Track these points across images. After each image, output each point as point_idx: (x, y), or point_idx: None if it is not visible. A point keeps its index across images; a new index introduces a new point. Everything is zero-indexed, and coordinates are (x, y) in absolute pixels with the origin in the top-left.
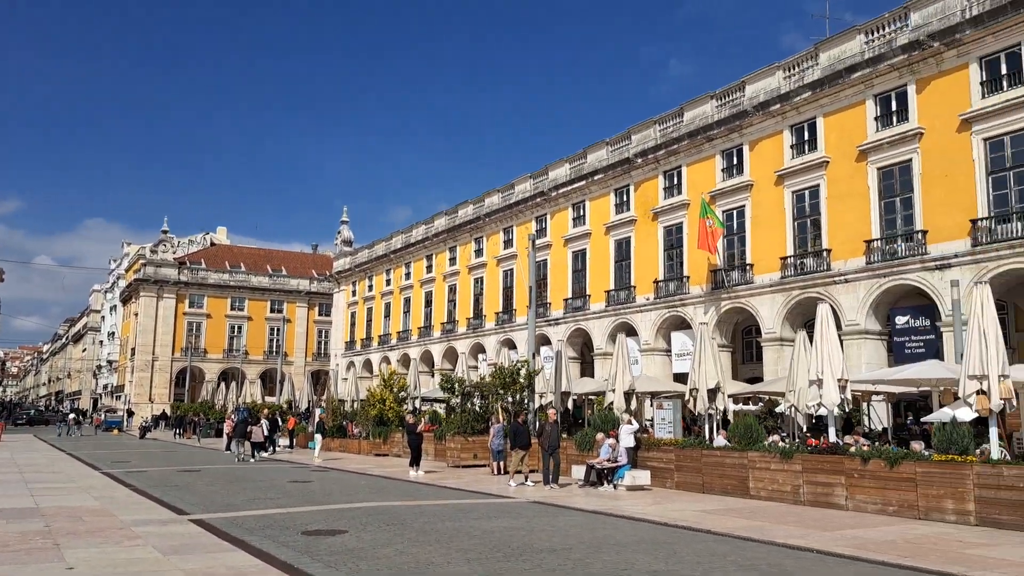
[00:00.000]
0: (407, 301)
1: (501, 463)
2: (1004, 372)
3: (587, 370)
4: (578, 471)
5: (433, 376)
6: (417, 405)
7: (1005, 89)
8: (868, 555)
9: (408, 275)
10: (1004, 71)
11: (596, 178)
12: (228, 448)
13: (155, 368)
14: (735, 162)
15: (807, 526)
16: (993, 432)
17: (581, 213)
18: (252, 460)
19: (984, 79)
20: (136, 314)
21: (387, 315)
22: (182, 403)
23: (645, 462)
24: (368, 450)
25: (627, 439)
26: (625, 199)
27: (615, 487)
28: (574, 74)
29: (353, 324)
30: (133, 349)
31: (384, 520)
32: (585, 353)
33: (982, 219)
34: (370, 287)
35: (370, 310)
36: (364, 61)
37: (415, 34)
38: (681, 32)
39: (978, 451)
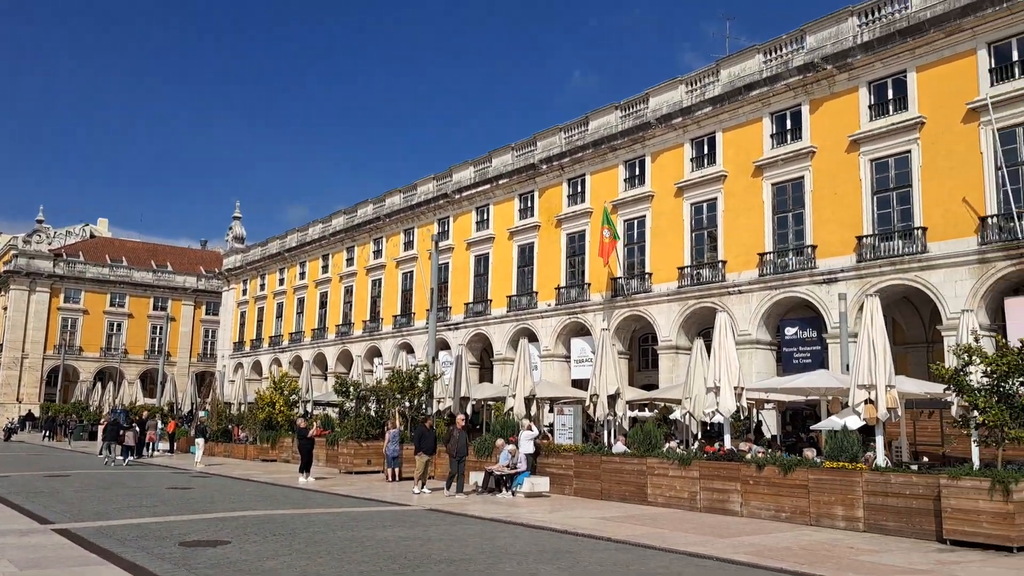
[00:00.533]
0: (301, 302)
1: (396, 470)
2: (891, 382)
3: (486, 375)
4: (476, 477)
5: (326, 379)
6: (309, 409)
7: (891, 113)
8: (767, 562)
9: (303, 275)
10: (890, 96)
11: (501, 182)
12: (101, 452)
13: (24, 366)
14: (637, 173)
15: (705, 533)
16: (879, 440)
17: (485, 217)
18: (123, 464)
19: (872, 102)
20: (5, 308)
21: (279, 316)
22: (53, 403)
23: (544, 468)
24: (255, 455)
25: (527, 445)
26: (529, 204)
27: (513, 494)
28: (479, 80)
29: (243, 324)
30: (0, 345)
31: (270, 529)
32: (485, 358)
33: (867, 236)
34: (262, 286)
35: (261, 310)
36: (260, 46)
37: (319, 22)
38: (585, 45)
39: (863, 459)
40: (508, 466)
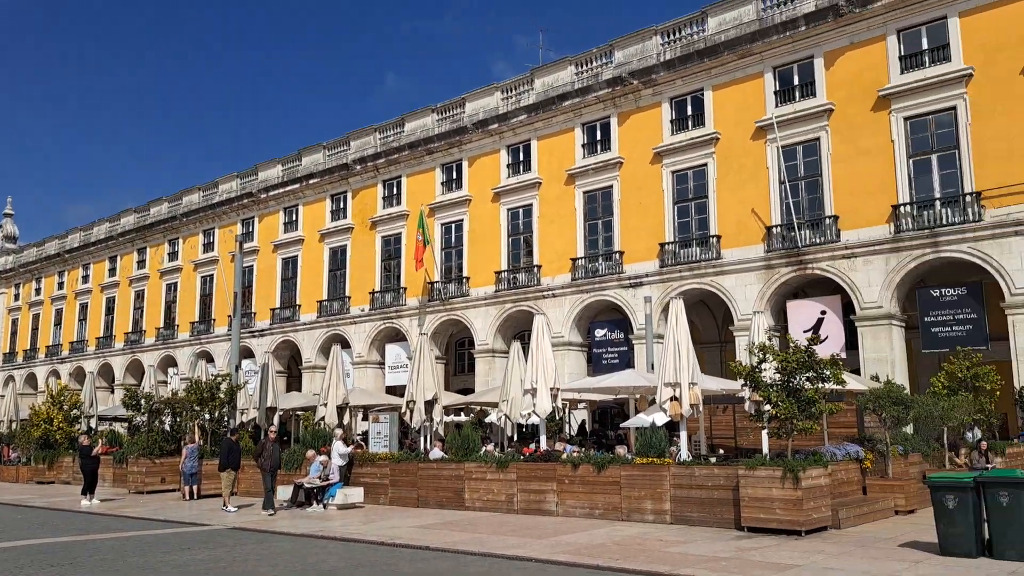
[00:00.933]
0: (84, 307)
1: (195, 487)
2: (694, 380)
3: (294, 384)
4: (284, 492)
5: (113, 392)
6: (93, 425)
7: (690, 128)
8: (584, 560)
9: (86, 278)
10: (690, 112)
11: (312, 182)
12: None
13: None
14: (455, 176)
15: (524, 535)
16: (683, 435)
17: (294, 218)
18: None
19: (674, 117)
20: None
21: (58, 323)
22: None
23: (359, 479)
24: (28, 477)
25: (339, 456)
26: (342, 206)
27: (325, 507)
28: (288, 78)
29: (14, 332)
30: None
31: (48, 560)
32: (293, 367)
33: (668, 243)
34: (38, 290)
35: (37, 316)
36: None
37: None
38: (399, 49)
39: (669, 454)
40: (319, 478)
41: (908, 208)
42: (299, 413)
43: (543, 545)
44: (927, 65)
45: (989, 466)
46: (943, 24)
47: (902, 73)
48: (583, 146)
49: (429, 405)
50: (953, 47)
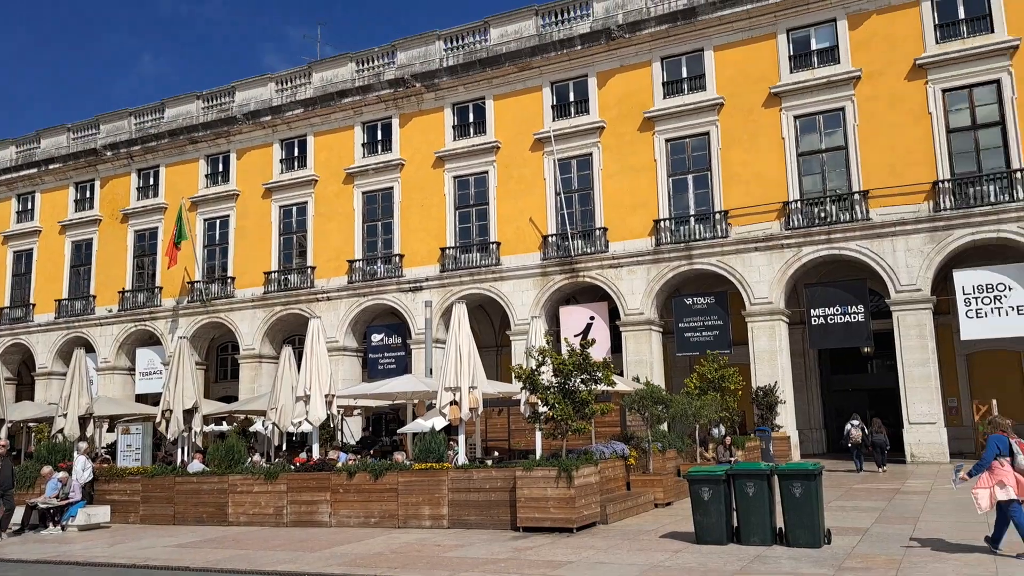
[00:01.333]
0: None
1: None
2: (474, 384)
3: (26, 393)
4: (16, 514)
5: None
6: None
7: (472, 135)
8: (360, 571)
9: None
10: (471, 119)
11: (52, 167)
12: None
13: None
14: (221, 169)
15: (295, 548)
16: (462, 439)
17: (29, 206)
18: None
19: (456, 123)
20: None
21: None
22: None
23: (105, 496)
24: None
25: (82, 472)
26: (89, 195)
27: (63, 529)
28: (19, 50)
29: None
30: None
31: None
32: (24, 373)
33: (450, 248)
34: None
35: None
36: None
37: None
38: (156, 29)
39: (447, 458)
40: (56, 497)
41: (667, 223)
42: (31, 425)
43: (316, 558)
44: (686, 92)
45: (732, 459)
46: (700, 56)
47: (664, 97)
48: (363, 145)
49: (188, 414)
50: (708, 78)
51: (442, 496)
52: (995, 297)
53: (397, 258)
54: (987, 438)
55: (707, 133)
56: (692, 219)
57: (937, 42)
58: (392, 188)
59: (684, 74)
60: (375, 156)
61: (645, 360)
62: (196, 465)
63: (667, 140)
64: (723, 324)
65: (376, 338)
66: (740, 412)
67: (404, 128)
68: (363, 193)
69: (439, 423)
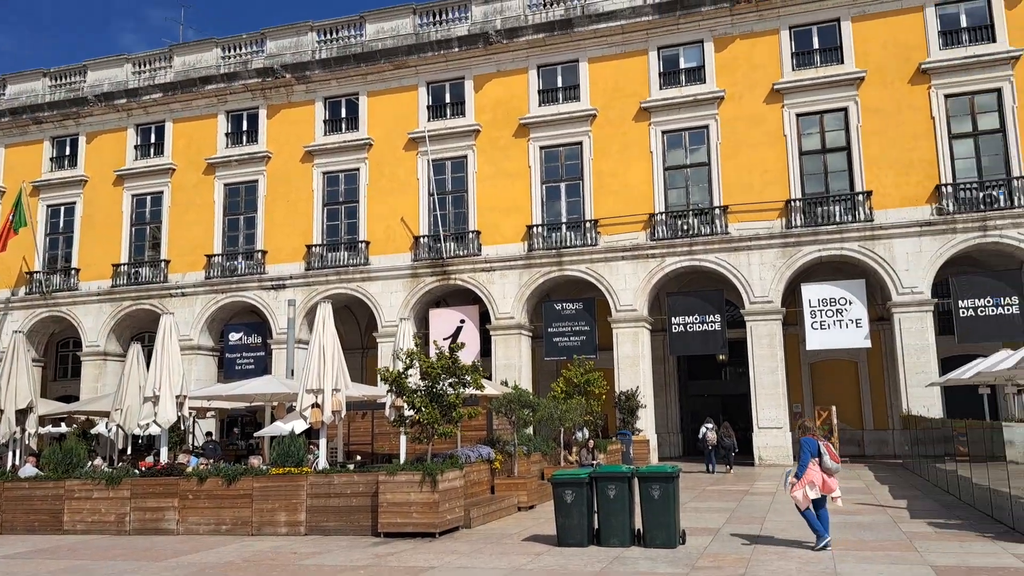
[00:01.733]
0: None
1: None
2: (338, 386)
3: None
4: None
5: None
6: None
7: (343, 131)
8: None
9: None
10: (344, 114)
11: None
12: None
13: None
14: (68, 153)
15: (139, 558)
16: (323, 443)
17: None
18: None
19: (327, 117)
20: None
21: None
22: None
23: None
24: None
25: None
26: None
27: None
28: None
29: None
30: None
31: None
32: None
33: (316, 245)
34: None
35: None
36: None
37: None
38: (2, 4)
39: (308, 462)
40: None
41: (540, 229)
42: None
43: (161, 567)
44: (560, 101)
45: (595, 462)
46: (575, 67)
47: (540, 105)
48: (227, 135)
49: (22, 414)
50: (583, 88)
51: (300, 502)
52: (837, 310)
53: (260, 254)
54: (800, 442)
55: (580, 143)
56: (564, 226)
57: (793, 69)
58: (257, 181)
59: (560, 83)
60: (240, 147)
61: (514, 364)
62: (29, 469)
63: (541, 147)
64: (590, 330)
65: (234, 337)
66: (603, 416)
67: (272, 120)
68: (225, 185)
69: (299, 426)
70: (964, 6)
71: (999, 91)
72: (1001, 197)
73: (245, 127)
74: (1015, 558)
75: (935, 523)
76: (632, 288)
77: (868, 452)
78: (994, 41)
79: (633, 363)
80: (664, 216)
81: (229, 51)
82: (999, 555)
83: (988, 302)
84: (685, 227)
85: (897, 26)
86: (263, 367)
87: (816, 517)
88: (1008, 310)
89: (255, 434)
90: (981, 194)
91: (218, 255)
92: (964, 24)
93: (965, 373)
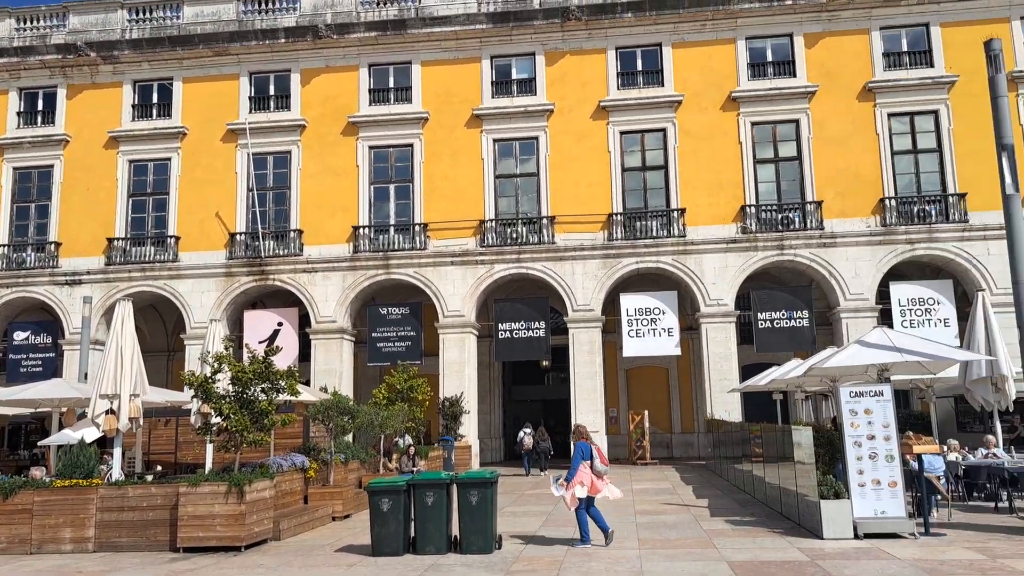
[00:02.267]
0: None
1: None
2: (136, 391)
3: None
4: None
5: None
6: None
7: (155, 117)
8: None
9: None
10: (156, 99)
11: None
12: None
13: None
14: None
15: None
16: (117, 453)
17: None
18: None
19: (136, 102)
20: None
21: None
22: None
23: None
24: None
25: None
26: None
27: None
28: None
29: None
30: None
31: None
32: None
33: (119, 239)
34: None
35: None
36: None
37: None
38: None
39: (99, 474)
40: None
41: (367, 230)
42: None
43: None
44: (392, 102)
45: (415, 469)
46: (408, 68)
47: (371, 104)
48: (19, 114)
49: None
50: (415, 91)
51: (88, 516)
52: (651, 320)
53: (53, 246)
54: (575, 445)
55: (411, 145)
56: (392, 228)
57: (619, 88)
58: (52, 166)
59: (391, 84)
60: (33, 128)
61: (335, 369)
62: None
63: (371, 147)
64: (416, 335)
65: (20, 336)
66: (426, 422)
67: (73, 100)
68: (15, 169)
69: (91, 435)
70: (770, 42)
71: (797, 122)
72: (796, 219)
73: (41, 107)
74: (800, 552)
75: (732, 521)
76: (461, 294)
77: (676, 454)
78: (795, 76)
79: (459, 369)
80: (494, 223)
81: (25, 23)
82: (786, 550)
83: (783, 315)
84: (514, 235)
85: (713, 55)
86: (53, 369)
87: (587, 516)
88: (800, 323)
89: (39, 443)
90: (780, 216)
91: (3, 246)
92: (770, 58)
93: (761, 380)
